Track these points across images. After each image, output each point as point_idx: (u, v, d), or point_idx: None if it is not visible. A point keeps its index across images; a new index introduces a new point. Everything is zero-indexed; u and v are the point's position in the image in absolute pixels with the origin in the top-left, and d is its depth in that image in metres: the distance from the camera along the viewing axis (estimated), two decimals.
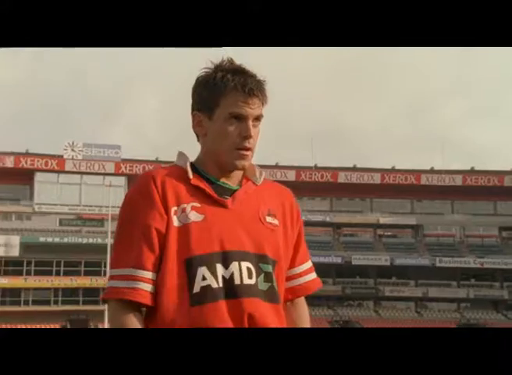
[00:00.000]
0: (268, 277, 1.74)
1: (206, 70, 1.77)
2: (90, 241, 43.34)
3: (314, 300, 41.04)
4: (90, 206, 45.71)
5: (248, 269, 1.71)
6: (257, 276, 1.73)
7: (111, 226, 36.72)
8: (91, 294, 41.78)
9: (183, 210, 1.71)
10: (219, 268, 1.69)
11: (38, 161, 45.84)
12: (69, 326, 40.25)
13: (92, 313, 39.78)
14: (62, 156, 46.26)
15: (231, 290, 1.69)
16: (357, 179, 49.39)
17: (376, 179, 50.10)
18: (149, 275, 1.68)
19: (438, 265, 47.07)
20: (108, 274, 1.76)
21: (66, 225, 44.76)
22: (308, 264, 1.90)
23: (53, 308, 41.55)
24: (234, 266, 1.70)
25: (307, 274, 1.89)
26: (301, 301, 1.89)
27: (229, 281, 1.69)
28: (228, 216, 1.73)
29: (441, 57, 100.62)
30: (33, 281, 41.94)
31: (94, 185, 45.61)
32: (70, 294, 42.29)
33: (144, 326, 1.68)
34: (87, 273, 42.72)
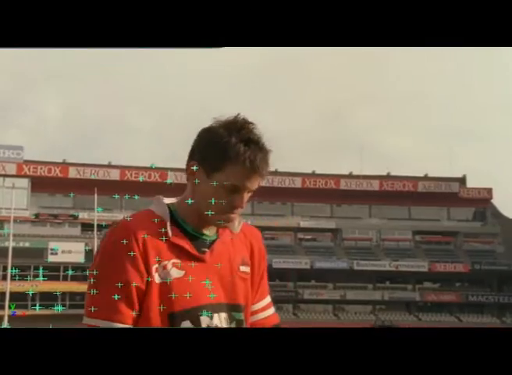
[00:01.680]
0: (238, 324, 1.85)
1: (217, 125, 1.77)
2: None
3: None
4: None
5: (225, 319, 1.82)
6: (230, 324, 1.84)
7: (13, 228, 34.97)
8: None
9: (164, 267, 1.76)
10: (204, 320, 1.79)
11: None
12: None
13: None
14: None
15: None
16: (278, 183, 49.39)
17: (297, 183, 50.28)
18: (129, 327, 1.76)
19: (355, 268, 47.65)
20: (83, 321, 1.77)
21: None
22: (267, 300, 1.99)
23: None
24: (215, 318, 1.81)
25: (265, 310, 1.97)
26: None
27: None
28: (206, 270, 1.80)
29: (358, 65, 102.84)
30: None
31: None
32: None
33: None
34: None
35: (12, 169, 44.42)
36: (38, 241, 41.98)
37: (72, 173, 45.80)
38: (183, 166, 1.83)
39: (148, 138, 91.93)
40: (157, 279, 1.74)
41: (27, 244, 40.85)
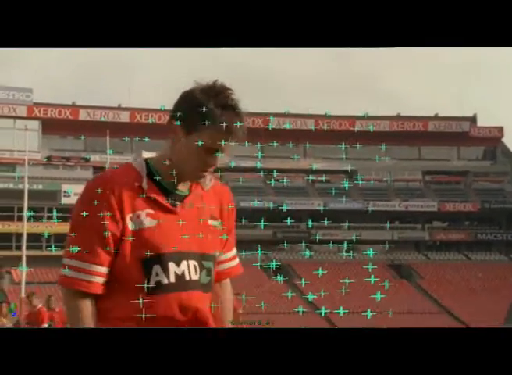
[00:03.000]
0: (208, 272, 2.02)
1: (198, 88, 1.89)
2: (1, 186, 40.79)
3: (245, 244, 40.88)
4: (1, 150, 42.56)
5: (194, 266, 1.98)
6: (200, 272, 1.99)
7: (28, 171, 34.72)
8: (4, 239, 39.97)
9: (138, 216, 1.92)
10: (172, 266, 1.94)
11: None
12: None
13: (6, 259, 37.97)
14: None
15: (182, 284, 1.96)
16: (289, 125, 48.53)
17: (310, 125, 49.43)
18: (103, 270, 1.93)
19: (367, 208, 47.36)
20: (63, 262, 1.95)
21: None
22: (233, 252, 2.15)
23: None
24: (184, 264, 1.96)
25: (231, 260, 2.15)
26: (227, 283, 2.17)
27: (180, 277, 1.95)
28: (177, 221, 1.95)
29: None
30: None
31: (3, 129, 42.29)
32: None
33: (96, 309, 1.94)
34: None
35: (22, 111, 43.40)
36: (51, 183, 41.65)
37: (83, 115, 44.79)
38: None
39: (158, 80, 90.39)
40: (131, 226, 1.92)
41: (40, 187, 40.45)
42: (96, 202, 1.89)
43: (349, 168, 49.78)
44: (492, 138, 52.28)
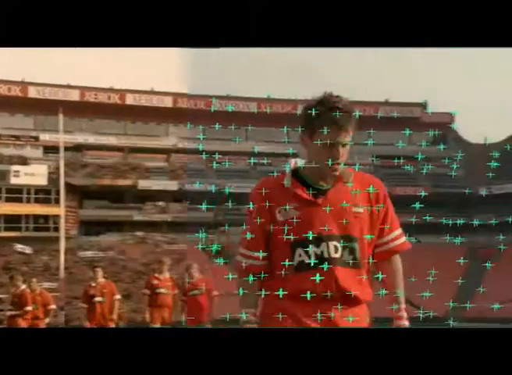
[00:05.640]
0: (351, 251, 2.48)
1: (312, 103, 2.45)
2: None
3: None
4: None
5: (335, 246, 2.46)
6: (343, 251, 2.47)
7: None
8: None
9: (285, 209, 2.48)
10: (312, 247, 2.46)
11: None
12: None
13: None
14: None
15: (321, 262, 2.45)
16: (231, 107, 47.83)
17: (252, 108, 48.20)
18: (262, 255, 2.51)
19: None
20: (238, 251, 2.59)
21: None
22: (397, 232, 2.60)
23: None
24: (323, 245, 2.46)
25: (395, 240, 2.59)
26: (395, 258, 2.60)
27: (320, 256, 2.46)
28: (318, 210, 2.46)
29: None
30: None
31: None
32: None
33: (260, 286, 2.53)
34: None
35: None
36: None
37: (32, 92, 43.86)
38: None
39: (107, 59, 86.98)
40: (279, 217, 2.47)
41: None
42: (254, 203, 2.50)
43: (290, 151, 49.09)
44: None
